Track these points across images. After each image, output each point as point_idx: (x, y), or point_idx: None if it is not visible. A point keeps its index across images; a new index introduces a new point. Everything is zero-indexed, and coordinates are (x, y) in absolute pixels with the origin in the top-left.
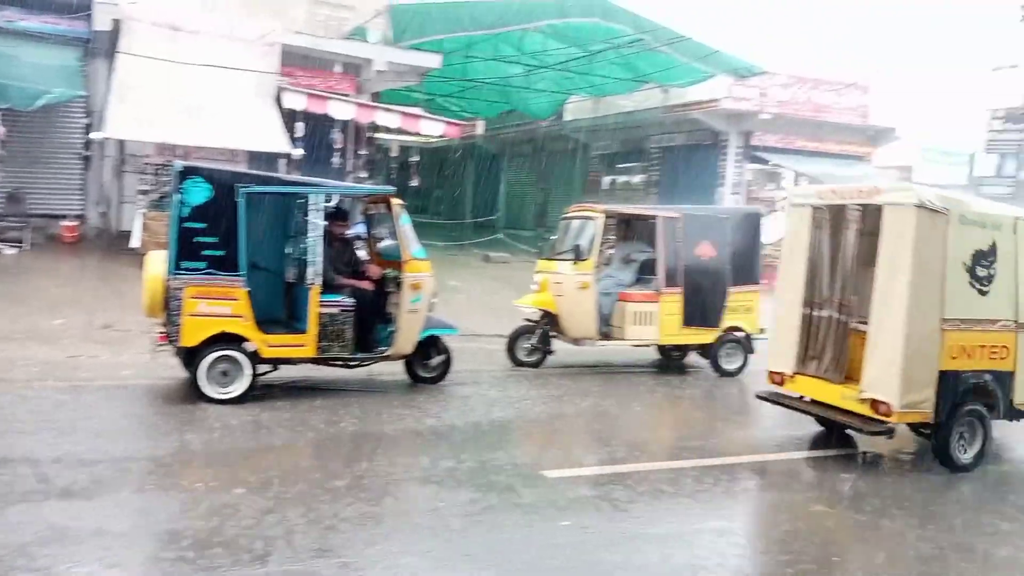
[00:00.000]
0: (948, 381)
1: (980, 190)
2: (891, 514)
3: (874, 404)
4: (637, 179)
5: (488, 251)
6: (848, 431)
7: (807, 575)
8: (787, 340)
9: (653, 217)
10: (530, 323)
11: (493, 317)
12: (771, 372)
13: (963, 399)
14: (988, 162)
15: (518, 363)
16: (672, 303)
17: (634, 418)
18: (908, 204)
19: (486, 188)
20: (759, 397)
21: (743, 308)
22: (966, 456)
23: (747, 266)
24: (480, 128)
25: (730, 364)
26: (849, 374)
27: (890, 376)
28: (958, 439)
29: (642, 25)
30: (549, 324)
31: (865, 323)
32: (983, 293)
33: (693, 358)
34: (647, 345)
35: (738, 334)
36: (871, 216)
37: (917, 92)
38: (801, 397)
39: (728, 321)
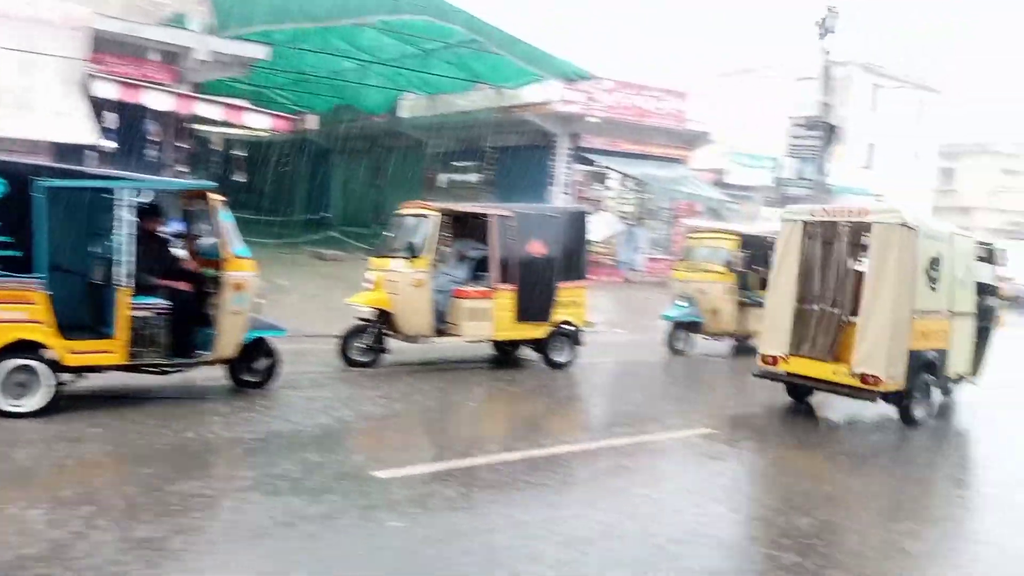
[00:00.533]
0: (914, 358)
1: (784, 191)
2: (685, 491)
3: (864, 377)
4: (473, 178)
5: (321, 249)
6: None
7: (635, 563)
8: (781, 329)
9: (487, 216)
10: (364, 322)
11: (325, 317)
12: (763, 355)
13: (920, 371)
14: (790, 166)
15: (351, 363)
16: (505, 299)
17: (467, 414)
18: (894, 223)
19: (319, 185)
20: (755, 375)
21: (572, 303)
22: (920, 415)
23: (575, 263)
24: (312, 122)
25: (560, 357)
26: (836, 356)
27: (878, 355)
28: (914, 402)
29: (475, 25)
30: (383, 322)
31: (853, 315)
32: (934, 290)
33: (527, 352)
34: (482, 341)
35: (568, 328)
36: (857, 231)
37: (728, 99)
38: (789, 374)
39: (558, 316)
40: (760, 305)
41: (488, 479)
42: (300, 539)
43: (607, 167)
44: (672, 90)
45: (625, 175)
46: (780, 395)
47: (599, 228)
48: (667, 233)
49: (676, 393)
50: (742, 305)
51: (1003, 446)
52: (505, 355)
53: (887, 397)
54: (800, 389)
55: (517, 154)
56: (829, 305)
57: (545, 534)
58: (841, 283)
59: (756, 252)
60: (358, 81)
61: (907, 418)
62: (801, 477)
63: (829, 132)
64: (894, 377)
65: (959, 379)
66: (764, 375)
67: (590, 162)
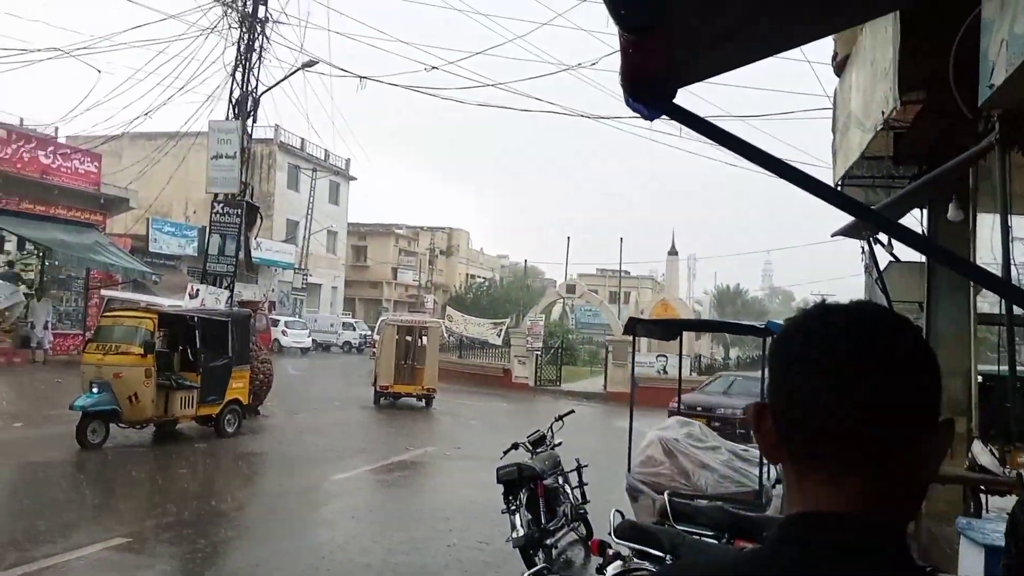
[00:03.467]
0: None
1: (209, 267)
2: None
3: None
4: None
5: None
6: None
7: None
8: (388, 370)
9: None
10: None
11: None
12: (381, 385)
13: None
14: (214, 241)
15: None
16: None
17: None
18: (435, 325)
19: None
20: (376, 393)
21: None
22: None
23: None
24: None
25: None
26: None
27: (432, 379)
28: None
29: None
30: None
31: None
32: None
33: None
34: None
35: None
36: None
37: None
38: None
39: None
40: (187, 387)
41: None
42: None
43: (3, 229)
44: (84, 149)
45: (25, 239)
46: (211, 484)
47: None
48: (80, 306)
49: (87, 498)
50: (164, 387)
51: None
52: None
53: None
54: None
55: None
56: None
57: None
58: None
59: (178, 331)
60: None
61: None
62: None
63: (251, 212)
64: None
65: None
66: (382, 394)
67: None
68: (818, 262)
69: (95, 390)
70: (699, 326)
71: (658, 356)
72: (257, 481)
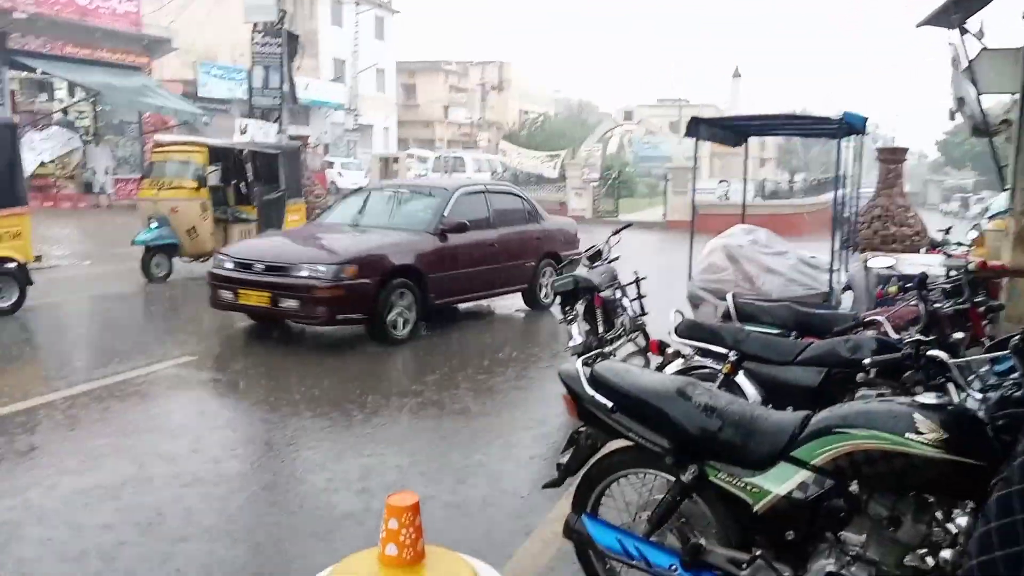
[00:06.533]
0: None
1: (254, 101)
2: (174, 428)
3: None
4: None
5: None
6: None
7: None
8: None
9: None
10: None
11: None
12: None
13: None
14: (258, 74)
15: None
16: None
17: None
18: None
19: None
20: None
21: (9, 235)
22: None
23: (7, 186)
24: None
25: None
26: None
27: None
28: None
29: None
30: None
31: None
32: None
33: None
34: None
35: (9, 265)
36: None
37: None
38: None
39: None
40: (244, 221)
41: None
42: None
43: (48, 73)
44: None
45: (74, 84)
46: None
47: (50, 146)
48: (136, 150)
49: (156, 324)
50: (221, 222)
51: None
52: None
53: None
54: None
55: None
56: None
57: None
58: None
59: (229, 165)
60: None
61: None
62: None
63: (292, 41)
64: None
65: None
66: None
67: (28, 68)
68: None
69: (154, 225)
70: (766, 126)
71: (720, 181)
72: None
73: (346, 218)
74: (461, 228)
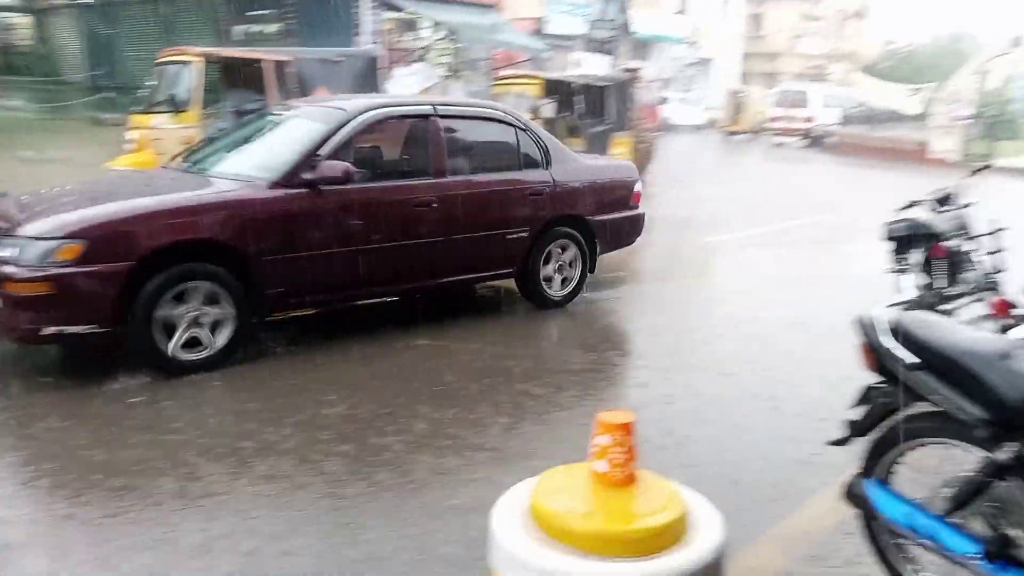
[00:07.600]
0: None
1: (591, 34)
2: None
3: None
4: (272, 28)
5: (99, 113)
6: None
7: None
8: None
9: (259, 60)
10: None
11: None
12: None
13: None
14: (597, 8)
15: None
16: None
17: None
18: None
19: (97, 41)
20: None
21: None
22: None
23: None
24: None
25: None
26: None
27: None
28: None
29: None
30: None
31: None
32: None
33: None
34: None
35: None
36: None
37: None
38: None
39: None
40: None
41: None
42: None
43: (415, 13)
44: None
45: (437, 22)
46: None
47: (414, 81)
48: (485, 86)
49: None
50: None
51: None
52: None
53: None
54: None
55: (318, 1)
56: None
57: None
58: None
59: (561, 98)
60: None
61: None
62: None
63: None
64: None
65: None
66: None
67: (398, 8)
68: None
69: None
70: None
71: None
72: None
73: (208, 156)
74: (342, 178)
